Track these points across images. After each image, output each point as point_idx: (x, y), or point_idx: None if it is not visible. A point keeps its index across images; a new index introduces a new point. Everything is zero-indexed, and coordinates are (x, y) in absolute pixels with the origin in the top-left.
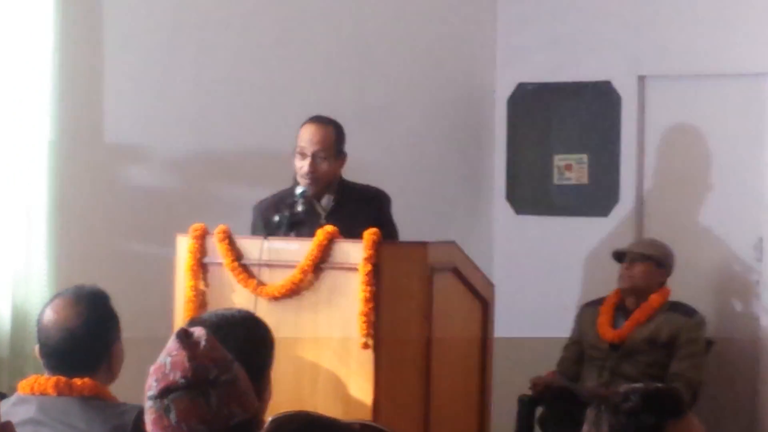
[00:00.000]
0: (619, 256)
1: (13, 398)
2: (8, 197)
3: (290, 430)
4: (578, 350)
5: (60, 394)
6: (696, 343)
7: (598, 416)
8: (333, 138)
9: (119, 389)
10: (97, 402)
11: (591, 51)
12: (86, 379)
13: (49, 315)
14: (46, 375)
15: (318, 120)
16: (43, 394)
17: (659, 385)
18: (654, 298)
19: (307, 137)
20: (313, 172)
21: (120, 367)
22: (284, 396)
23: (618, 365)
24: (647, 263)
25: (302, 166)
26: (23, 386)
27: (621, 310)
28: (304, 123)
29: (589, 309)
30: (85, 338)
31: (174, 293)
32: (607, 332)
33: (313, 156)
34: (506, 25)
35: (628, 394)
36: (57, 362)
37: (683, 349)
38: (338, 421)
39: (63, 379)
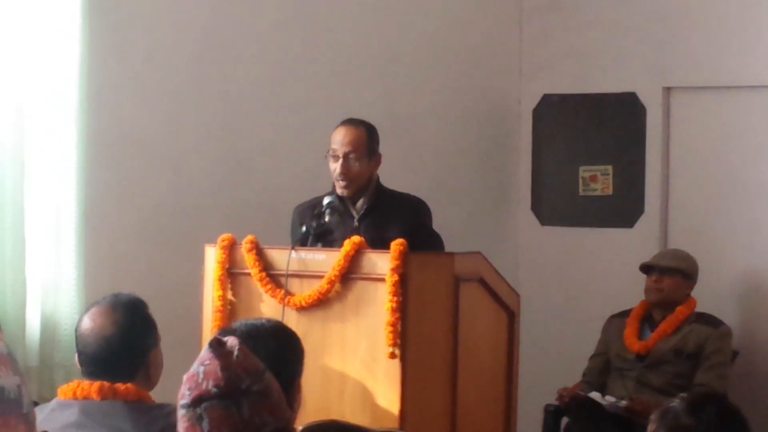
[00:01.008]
0: (646, 268)
1: (52, 404)
2: (38, 207)
3: None
4: (604, 360)
5: (104, 398)
6: (722, 353)
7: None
8: (365, 138)
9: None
10: (141, 404)
11: (616, 63)
12: (129, 385)
13: (86, 323)
14: (87, 381)
15: (349, 122)
16: (86, 398)
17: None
18: (681, 310)
19: (339, 139)
20: (346, 173)
21: (159, 373)
22: (312, 405)
23: (643, 375)
24: (675, 276)
25: (335, 168)
26: (64, 391)
27: (647, 321)
28: (338, 126)
29: (616, 320)
30: (122, 346)
31: (202, 303)
32: (634, 343)
33: (345, 157)
34: (531, 37)
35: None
36: (95, 369)
37: (709, 360)
38: (366, 429)
39: (107, 384)
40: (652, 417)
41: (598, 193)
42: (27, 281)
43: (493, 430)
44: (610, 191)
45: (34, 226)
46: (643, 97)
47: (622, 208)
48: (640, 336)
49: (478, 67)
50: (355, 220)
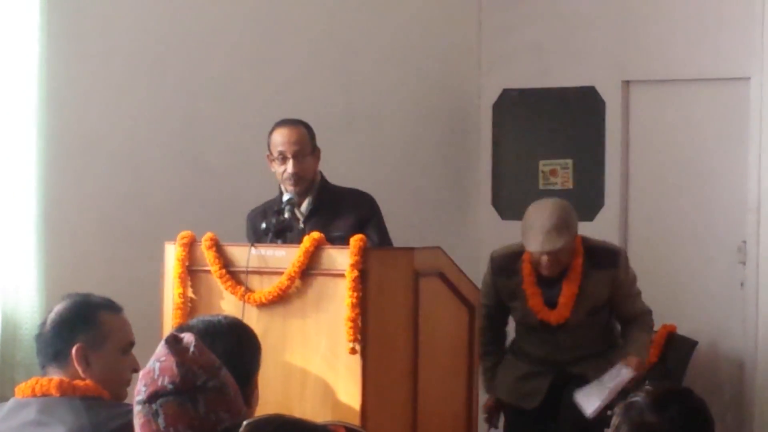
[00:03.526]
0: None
1: (9, 403)
2: None
3: (266, 429)
4: (501, 314)
5: (63, 394)
6: (631, 283)
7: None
8: (307, 135)
9: None
10: (100, 401)
11: (575, 57)
12: (88, 381)
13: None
14: (45, 377)
15: (288, 122)
16: (44, 395)
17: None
18: (576, 265)
19: (284, 139)
20: (298, 172)
21: (111, 378)
22: (273, 401)
23: (562, 338)
24: (567, 247)
25: (285, 169)
26: (22, 389)
27: (542, 279)
28: (275, 128)
29: (502, 279)
30: (45, 333)
31: (162, 300)
32: (548, 315)
33: (295, 156)
34: (490, 32)
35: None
36: (38, 358)
37: (625, 295)
38: (313, 422)
39: (65, 380)
40: (616, 410)
41: (558, 187)
42: None
43: (454, 424)
44: (570, 185)
45: None
46: (603, 91)
47: (582, 201)
48: (548, 301)
49: (437, 63)
50: (301, 222)
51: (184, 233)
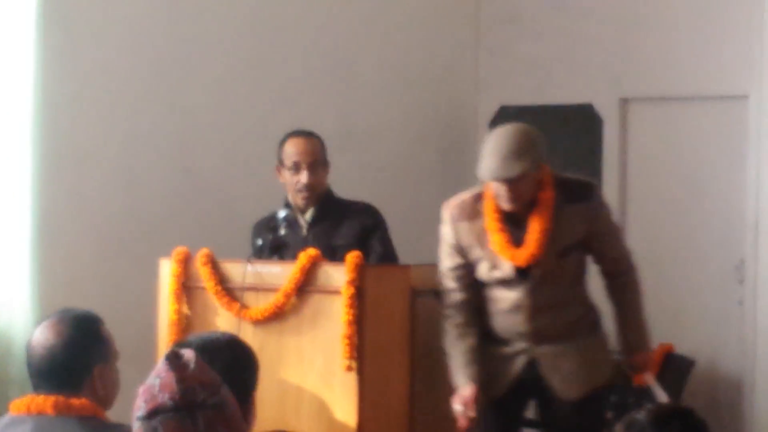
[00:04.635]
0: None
1: (5, 419)
2: None
3: None
4: (470, 283)
5: (58, 413)
6: (609, 217)
7: None
8: (321, 147)
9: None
10: (96, 422)
11: (572, 74)
12: (84, 400)
13: (34, 336)
14: (41, 395)
15: (303, 133)
16: (40, 413)
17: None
18: (545, 198)
19: (299, 150)
20: (312, 183)
21: (112, 391)
22: (269, 418)
23: (531, 296)
24: (527, 176)
25: (299, 179)
26: (17, 406)
27: (510, 219)
28: (289, 138)
29: (465, 224)
30: (63, 357)
31: (157, 316)
32: (515, 256)
33: (309, 167)
34: (488, 49)
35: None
36: (39, 382)
37: (603, 232)
38: None
39: (62, 398)
40: (617, 428)
41: None
42: None
43: None
44: None
45: None
46: (600, 109)
47: None
48: (514, 242)
49: (435, 79)
50: (304, 229)
51: (179, 249)
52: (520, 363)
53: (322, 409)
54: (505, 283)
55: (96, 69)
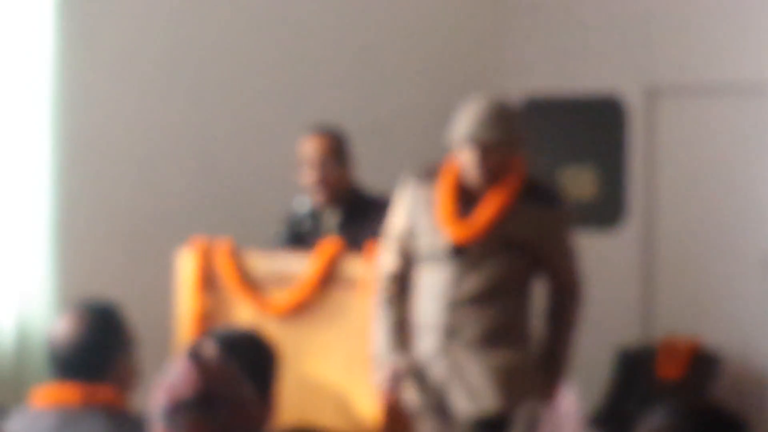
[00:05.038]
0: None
1: (28, 413)
2: (11, 213)
3: None
4: (410, 250)
5: (83, 402)
6: (566, 234)
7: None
8: (334, 144)
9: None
10: (120, 413)
11: (599, 63)
12: (108, 388)
13: (57, 326)
14: (67, 384)
15: (315, 129)
16: (64, 403)
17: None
18: (509, 181)
19: (308, 147)
20: (322, 181)
21: (132, 382)
22: (291, 412)
23: (466, 280)
24: (501, 147)
25: (309, 176)
26: (41, 396)
27: (464, 195)
28: (304, 135)
29: (423, 188)
30: (88, 347)
31: (176, 308)
32: (454, 229)
33: (319, 165)
34: (515, 38)
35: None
36: (63, 371)
37: (555, 243)
38: None
39: (88, 387)
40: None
41: (580, 195)
42: None
43: None
44: (592, 193)
45: (8, 233)
46: (626, 98)
47: (605, 210)
48: (461, 215)
49: (460, 69)
50: (332, 226)
51: (199, 239)
52: (435, 371)
53: (345, 404)
54: (436, 261)
55: (115, 59)
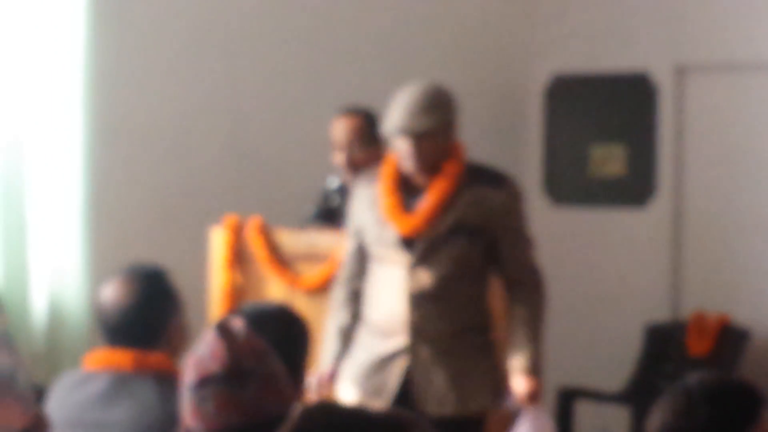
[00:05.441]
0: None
1: (77, 375)
2: (44, 192)
3: (320, 418)
4: (363, 251)
5: (135, 367)
6: (518, 216)
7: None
8: (362, 125)
9: None
10: (171, 379)
11: (628, 41)
12: (160, 354)
13: (104, 294)
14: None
15: (346, 111)
16: (115, 368)
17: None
18: (449, 169)
19: (338, 129)
20: (349, 163)
21: (183, 344)
22: None
23: (416, 273)
24: (435, 135)
25: (338, 156)
26: (92, 360)
27: (407, 188)
28: (335, 116)
29: (364, 187)
30: (139, 314)
31: (208, 285)
32: (400, 223)
33: (345, 146)
34: (543, 16)
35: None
36: (114, 337)
37: (506, 228)
38: (366, 409)
39: (140, 353)
40: (665, 399)
41: (609, 172)
42: (31, 266)
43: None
44: (622, 171)
45: (40, 211)
46: (656, 76)
47: (634, 187)
48: (405, 209)
49: (489, 47)
50: None
51: (230, 217)
52: (397, 370)
53: None
54: (389, 257)
55: (148, 38)
